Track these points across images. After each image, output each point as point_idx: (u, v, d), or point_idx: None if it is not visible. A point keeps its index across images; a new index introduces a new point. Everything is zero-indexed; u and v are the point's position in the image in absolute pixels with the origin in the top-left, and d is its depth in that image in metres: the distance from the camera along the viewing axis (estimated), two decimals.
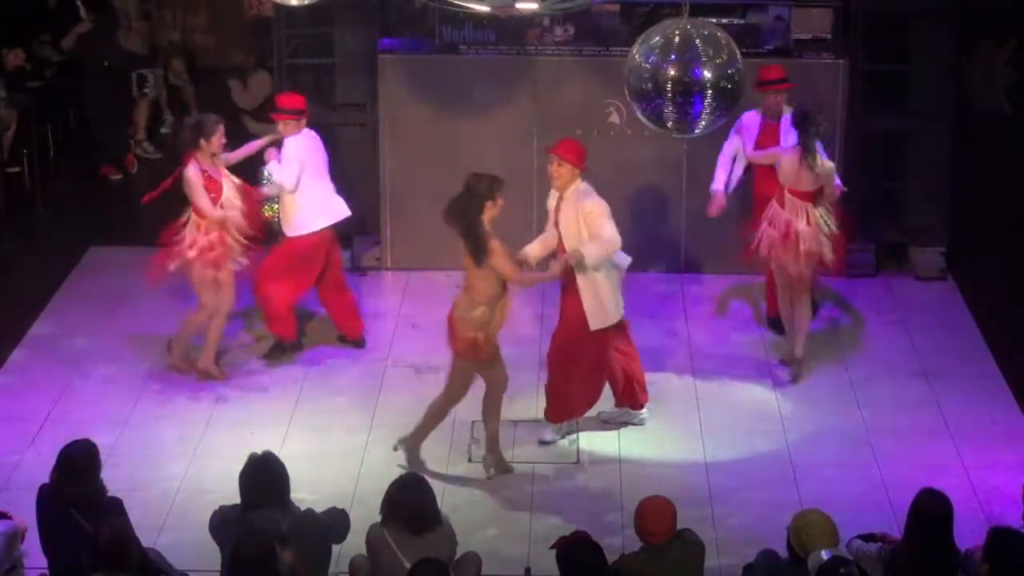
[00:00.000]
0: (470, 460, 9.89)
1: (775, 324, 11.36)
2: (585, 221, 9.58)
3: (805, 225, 10.47)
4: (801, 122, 10.42)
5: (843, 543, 7.42)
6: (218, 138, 10.49)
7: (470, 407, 10.19)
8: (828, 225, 10.53)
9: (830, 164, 10.58)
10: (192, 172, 10.41)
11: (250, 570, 6.96)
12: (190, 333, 10.84)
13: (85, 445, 7.82)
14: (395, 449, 9.72)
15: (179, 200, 10.57)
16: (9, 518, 7.81)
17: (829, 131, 10.46)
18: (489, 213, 9.26)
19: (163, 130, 15.37)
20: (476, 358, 9.47)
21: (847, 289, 12.26)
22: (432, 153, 12.04)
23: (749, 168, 11.32)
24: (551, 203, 9.80)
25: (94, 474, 7.75)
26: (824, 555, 7.09)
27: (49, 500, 7.75)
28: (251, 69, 15.01)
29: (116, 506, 7.68)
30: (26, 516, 7.89)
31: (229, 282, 10.63)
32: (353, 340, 11.26)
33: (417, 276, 12.20)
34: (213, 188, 10.48)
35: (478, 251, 9.25)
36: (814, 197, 10.51)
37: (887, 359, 11.22)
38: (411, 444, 9.72)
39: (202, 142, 10.46)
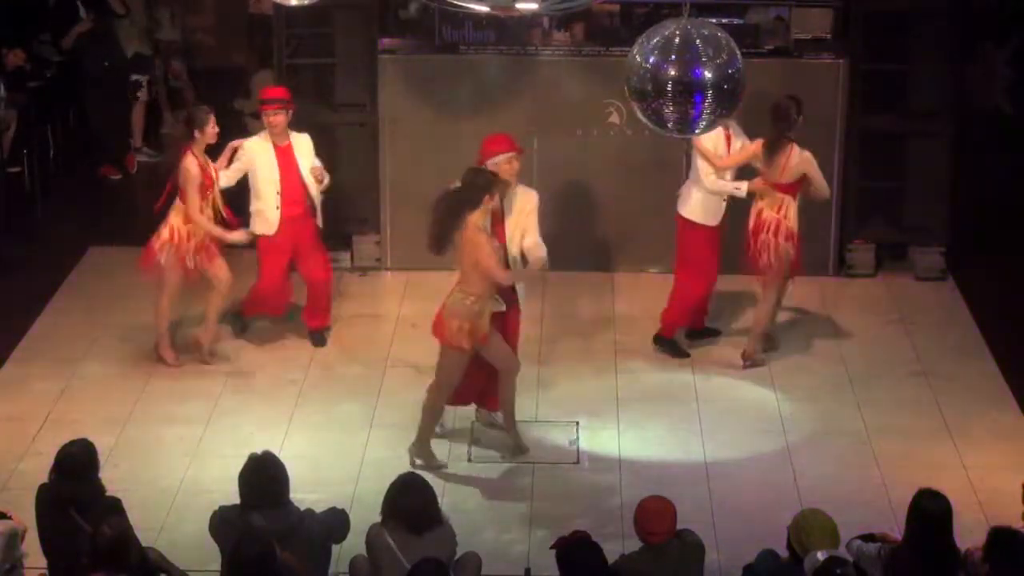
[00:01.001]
0: (470, 460, 9.89)
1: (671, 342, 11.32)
2: (529, 215, 9.61)
3: (777, 216, 10.61)
4: (775, 116, 10.54)
5: (843, 543, 7.43)
6: (211, 127, 10.58)
7: (470, 407, 10.20)
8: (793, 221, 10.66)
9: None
10: (191, 163, 10.52)
11: (250, 570, 6.95)
12: (213, 320, 11.01)
13: (82, 445, 7.82)
14: (413, 464, 9.67)
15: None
16: (9, 518, 7.81)
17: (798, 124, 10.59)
18: (485, 207, 9.27)
19: (164, 131, 15.37)
20: (459, 345, 9.43)
21: (847, 289, 12.26)
22: (432, 153, 12.04)
23: None
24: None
25: (92, 473, 7.76)
26: (820, 556, 7.10)
27: (48, 500, 7.75)
28: (253, 70, 15.01)
29: (115, 505, 7.68)
30: (26, 516, 7.89)
31: (214, 263, 10.79)
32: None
33: (417, 276, 12.18)
34: (208, 183, 10.60)
35: (439, 242, 9.31)
36: (795, 189, 10.59)
37: (887, 359, 11.22)
38: (420, 449, 9.74)
39: (196, 134, 10.53)
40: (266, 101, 10.93)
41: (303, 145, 10.97)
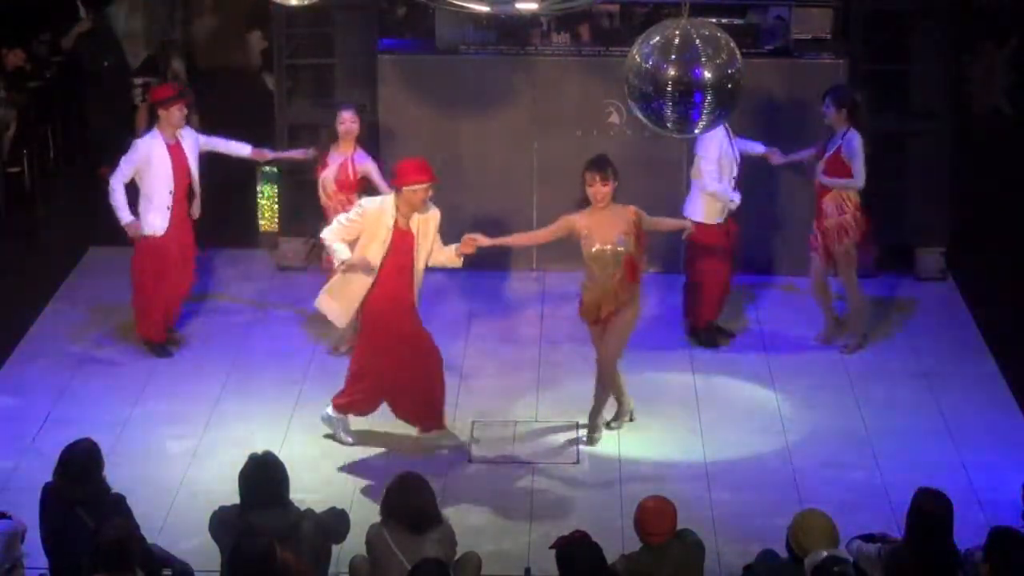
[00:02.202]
0: (470, 460, 9.89)
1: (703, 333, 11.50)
2: (436, 232, 9.70)
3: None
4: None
5: (843, 543, 7.43)
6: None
7: (470, 407, 10.20)
8: None
9: None
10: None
11: (250, 570, 6.95)
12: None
13: (86, 444, 7.82)
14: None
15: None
16: (9, 518, 7.80)
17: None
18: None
19: None
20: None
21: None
22: (432, 153, 11.97)
23: None
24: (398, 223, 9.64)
25: (97, 472, 7.75)
26: (820, 556, 7.10)
27: (53, 500, 7.74)
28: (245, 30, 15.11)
29: (120, 503, 7.69)
30: (26, 516, 7.89)
31: None
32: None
33: None
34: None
35: None
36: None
37: (887, 359, 11.22)
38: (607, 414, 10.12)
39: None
40: (172, 98, 10.88)
41: (192, 141, 10.98)
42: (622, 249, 9.57)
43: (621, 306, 9.74)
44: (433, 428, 9.97)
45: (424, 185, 9.51)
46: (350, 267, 9.57)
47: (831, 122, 10.96)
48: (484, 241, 9.75)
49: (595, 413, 10.06)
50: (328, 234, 9.71)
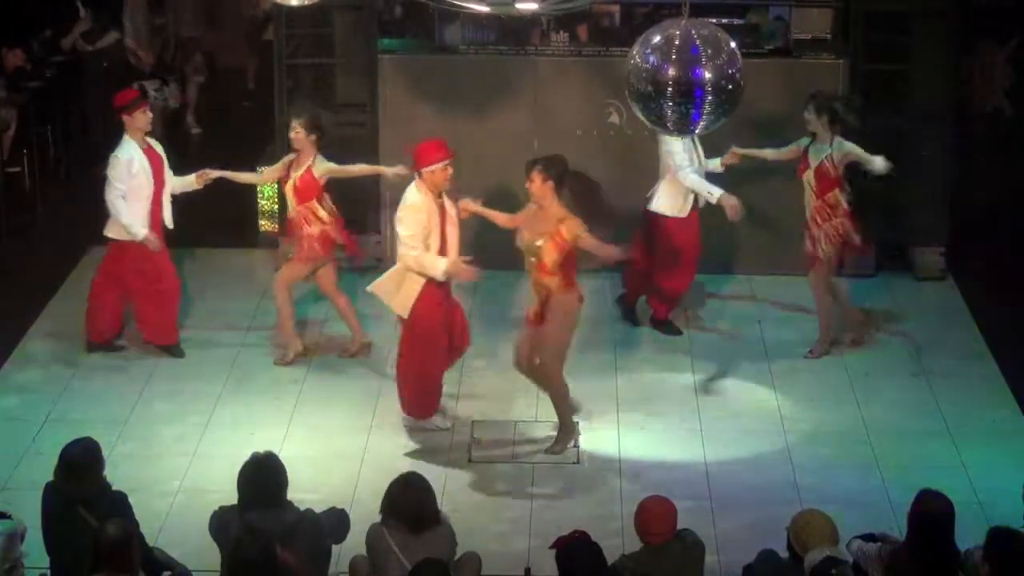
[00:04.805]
0: (470, 460, 9.89)
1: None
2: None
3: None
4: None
5: (843, 543, 7.43)
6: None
7: (470, 407, 10.21)
8: None
9: None
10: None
11: (250, 570, 6.95)
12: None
13: (85, 444, 7.80)
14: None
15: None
16: (9, 518, 7.80)
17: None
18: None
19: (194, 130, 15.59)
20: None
21: (848, 289, 12.25)
22: None
23: None
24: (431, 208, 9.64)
25: (97, 471, 7.75)
26: (820, 555, 7.10)
27: (55, 499, 7.73)
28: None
29: (122, 501, 7.68)
30: (26, 516, 7.88)
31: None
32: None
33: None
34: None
35: None
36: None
37: (887, 359, 11.22)
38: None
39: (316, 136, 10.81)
40: (135, 101, 10.83)
41: (159, 148, 10.94)
42: (539, 244, 9.51)
43: (547, 310, 9.67)
44: (430, 415, 10.09)
45: (444, 163, 9.55)
46: (456, 274, 9.63)
47: (813, 128, 10.93)
48: (474, 207, 9.85)
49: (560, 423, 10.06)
50: (418, 255, 9.59)
